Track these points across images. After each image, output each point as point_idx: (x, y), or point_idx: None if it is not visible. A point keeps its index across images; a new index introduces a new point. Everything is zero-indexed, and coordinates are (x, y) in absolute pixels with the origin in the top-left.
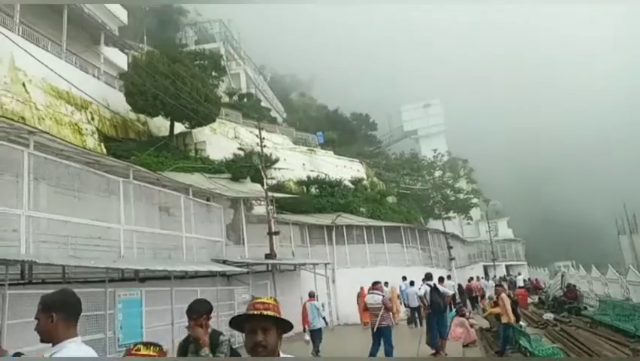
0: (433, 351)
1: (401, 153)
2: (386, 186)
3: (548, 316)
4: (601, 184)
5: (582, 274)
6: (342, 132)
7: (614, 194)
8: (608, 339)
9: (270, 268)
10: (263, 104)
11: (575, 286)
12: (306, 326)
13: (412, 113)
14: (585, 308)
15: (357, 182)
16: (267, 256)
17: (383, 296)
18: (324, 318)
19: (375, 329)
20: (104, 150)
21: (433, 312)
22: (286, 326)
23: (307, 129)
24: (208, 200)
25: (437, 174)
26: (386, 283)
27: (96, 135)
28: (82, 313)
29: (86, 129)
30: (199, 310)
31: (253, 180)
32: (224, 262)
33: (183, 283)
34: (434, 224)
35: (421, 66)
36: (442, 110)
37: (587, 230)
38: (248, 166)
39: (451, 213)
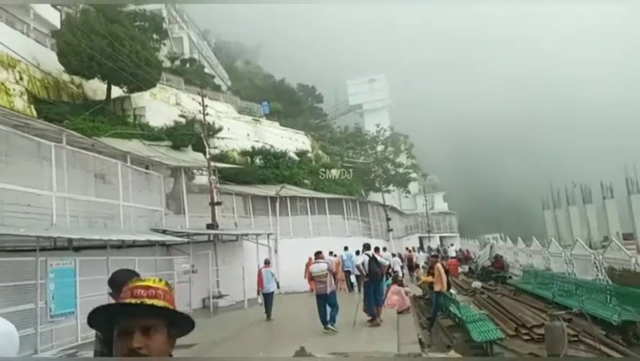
0: (370, 318)
1: (346, 126)
2: (330, 159)
3: (476, 284)
4: (529, 163)
5: (509, 246)
6: (288, 103)
7: (540, 173)
8: (530, 306)
9: (211, 239)
10: (206, 70)
11: (502, 256)
12: (260, 289)
13: (358, 87)
14: (510, 277)
15: (302, 154)
16: (209, 227)
17: (327, 264)
18: (277, 283)
19: (321, 295)
20: (35, 113)
21: (371, 280)
22: (183, 323)
23: (252, 99)
24: (147, 168)
25: (379, 148)
26: (333, 254)
27: (25, 97)
28: (11, 283)
29: (14, 90)
30: (123, 282)
31: (195, 149)
32: (164, 231)
33: (120, 253)
34: (374, 197)
35: (368, 39)
36: (386, 85)
37: (516, 205)
38: (190, 134)
39: (390, 187)
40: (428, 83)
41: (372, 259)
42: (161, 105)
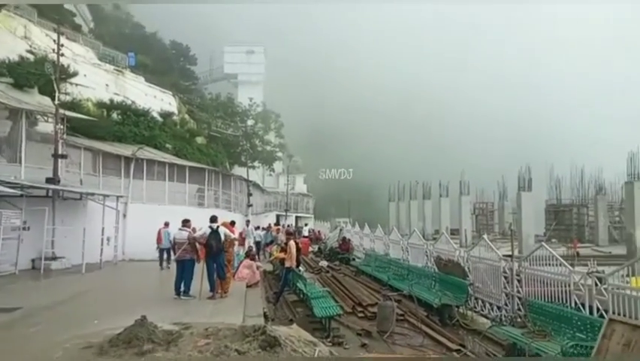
0: (210, 295)
1: (218, 94)
2: (197, 125)
3: (323, 263)
4: (381, 158)
5: (356, 230)
6: (158, 59)
7: (390, 168)
8: (367, 286)
9: (50, 194)
10: (67, 6)
11: (349, 239)
12: (159, 245)
13: (235, 56)
14: (354, 259)
15: (166, 116)
16: (49, 181)
17: (190, 233)
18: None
19: (179, 261)
20: None
21: (208, 254)
22: None
23: (117, 47)
24: None
25: (250, 122)
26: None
27: None
28: None
29: None
30: None
31: (42, 92)
32: None
33: None
34: (239, 171)
35: (249, 10)
36: (264, 59)
37: (367, 194)
38: (37, 74)
39: (256, 163)
40: (303, 64)
41: (214, 232)
42: (6, 35)
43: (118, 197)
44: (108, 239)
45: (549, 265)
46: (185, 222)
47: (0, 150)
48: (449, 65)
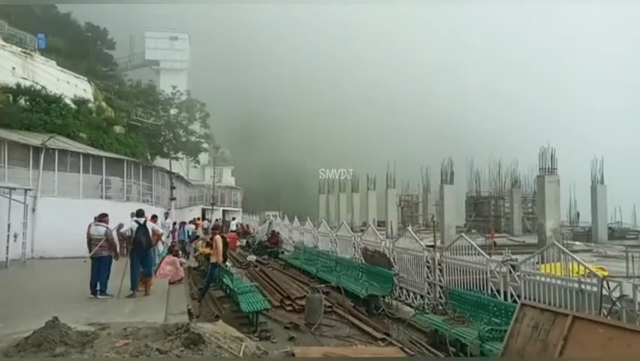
0: (130, 293)
1: (138, 81)
2: (115, 114)
3: (251, 258)
4: (310, 149)
5: (286, 224)
6: (72, 42)
7: (318, 160)
8: (296, 279)
9: None
10: None
11: (278, 233)
12: None
13: (157, 42)
14: (283, 252)
15: (81, 103)
16: None
17: (107, 228)
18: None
19: (95, 258)
20: None
21: (135, 250)
22: None
23: (25, 28)
24: None
25: (173, 112)
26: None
27: None
28: None
29: None
30: None
31: None
32: None
33: None
34: (161, 162)
35: None
36: (188, 46)
37: (296, 187)
38: None
39: (180, 154)
40: (231, 53)
41: (141, 227)
42: None
43: (26, 190)
44: (15, 235)
45: (468, 254)
46: (102, 217)
47: None
48: (374, 58)
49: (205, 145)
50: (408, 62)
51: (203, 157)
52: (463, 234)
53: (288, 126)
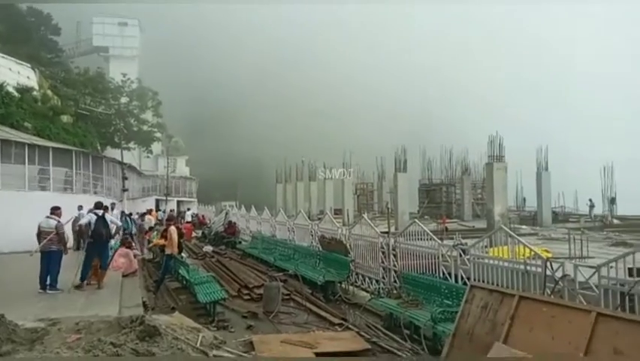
0: (79, 283)
1: (86, 68)
2: (62, 102)
3: (208, 248)
4: (269, 137)
5: (243, 213)
6: (14, 28)
7: (275, 150)
8: (254, 268)
9: None
10: None
11: (235, 223)
12: None
13: (106, 28)
14: (240, 242)
15: (24, 91)
16: None
17: (58, 222)
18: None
19: (44, 253)
20: None
21: (94, 242)
22: None
23: None
24: None
25: (123, 100)
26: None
27: None
28: None
29: None
30: None
31: None
32: None
33: None
34: (112, 152)
35: None
36: (139, 33)
37: (254, 176)
38: None
39: (131, 144)
40: (181, 40)
41: (100, 219)
42: None
43: None
44: None
45: (422, 239)
46: (54, 210)
47: None
48: (329, 44)
49: (158, 134)
50: (360, 47)
51: (156, 147)
52: (416, 220)
53: (242, 115)
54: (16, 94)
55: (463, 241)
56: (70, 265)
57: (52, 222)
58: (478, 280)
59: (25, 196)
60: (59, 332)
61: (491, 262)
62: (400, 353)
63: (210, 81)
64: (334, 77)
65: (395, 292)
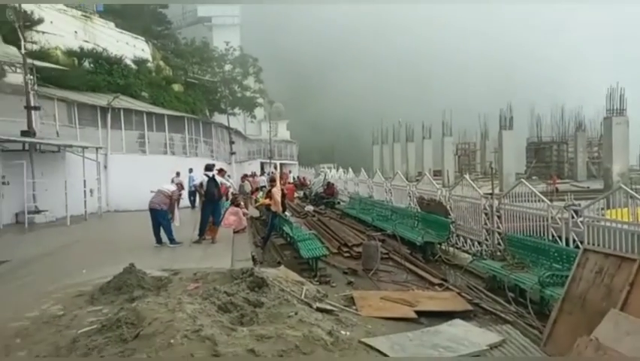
0: (197, 238)
1: (192, 39)
2: (173, 72)
3: (309, 208)
4: (362, 101)
5: (340, 175)
6: (127, 4)
7: (371, 111)
8: (352, 228)
9: (27, 148)
10: None
11: (333, 184)
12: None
13: None
14: (339, 203)
15: (140, 63)
16: (24, 134)
17: (174, 191)
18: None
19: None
20: None
21: (207, 201)
22: None
23: None
24: None
25: (227, 67)
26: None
27: None
28: None
29: None
30: None
31: (7, 41)
32: None
33: None
34: (219, 118)
35: None
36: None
37: (350, 139)
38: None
39: (236, 110)
40: (284, 9)
41: (212, 180)
42: None
43: (97, 148)
44: (91, 191)
45: (529, 201)
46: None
47: None
48: (428, 3)
49: (260, 100)
50: (467, 8)
51: (259, 112)
52: (522, 180)
53: (338, 77)
54: (133, 66)
55: (576, 203)
56: (188, 222)
57: (172, 188)
58: (593, 245)
59: (146, 159)
60: (180, 281)
61: (608, 224)
62: (504, 316)
63: (308, 46)
64: (432, 36)
65: (499, 254)
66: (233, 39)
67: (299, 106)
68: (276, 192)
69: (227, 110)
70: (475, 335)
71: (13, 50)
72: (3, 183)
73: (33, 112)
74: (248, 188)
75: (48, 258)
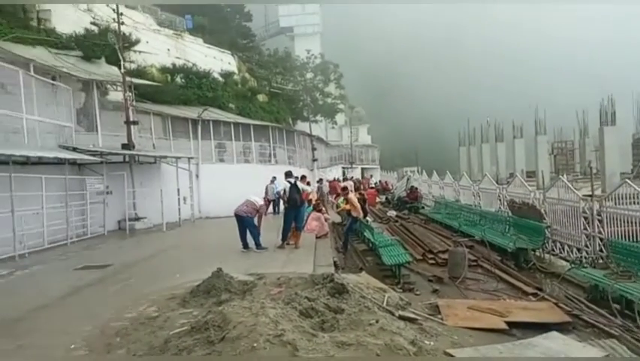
0: (280, 243)
1: (275, 49)
2: (258, 83)
3: (391, 213)
4: (448, 102)
5: (424, 179)
6: (214, 20)
7: (458, 111)
8: (438, 233)
9: (127, 160)
10: None
11: (417, 188)
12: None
13: (290, 8)
14: (423, 207)
15: (227, 75)
16: (124, 147)
17: (262, 205)
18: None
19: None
20: None
21: (290, 207)
22: None
23: (174, 11)
24: (54, 79)
25: (309, 76)
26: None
27: None
28: None
29: None
30: None
31: (109, 62)
32: (74, 149)
33: (25, 170)
34: (301, 126)
35: None
36: (319, 9)
37: (434, 141)
38: (102, 45)
39: (318, 117)
40: (362, 13)
41: (293, 186)
42: (70, 10)
43: (189, 158)
44: (184, 199)
45: (635, 203)
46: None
47: (78, 120)
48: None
49: (341, 106)
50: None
51: (340, 118)
52: (628, 180)
53: (422, 79)
54: (220, 79)
55: None
56: (271, 228)
57: (260, 201)
58: None
59: (233, 168)
60: (264, 285)
61: None
62: (608, 329)
63: (386, 49)
64: (519, 30)
65: (601, 261)
66: (314, 47)
67: (380, 110)
68: (352, 198)
69: (310, 118)
70: (574, 350)
71: (114, 69)
72: (107, 193)
73: (132, 126)
74: (326, 189)
75: (146, 262)
